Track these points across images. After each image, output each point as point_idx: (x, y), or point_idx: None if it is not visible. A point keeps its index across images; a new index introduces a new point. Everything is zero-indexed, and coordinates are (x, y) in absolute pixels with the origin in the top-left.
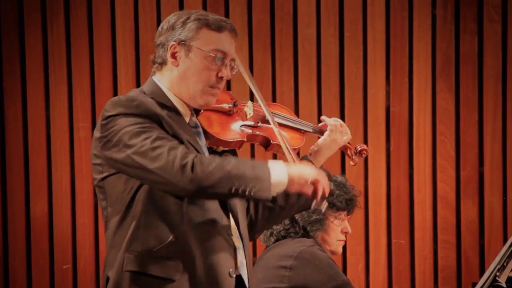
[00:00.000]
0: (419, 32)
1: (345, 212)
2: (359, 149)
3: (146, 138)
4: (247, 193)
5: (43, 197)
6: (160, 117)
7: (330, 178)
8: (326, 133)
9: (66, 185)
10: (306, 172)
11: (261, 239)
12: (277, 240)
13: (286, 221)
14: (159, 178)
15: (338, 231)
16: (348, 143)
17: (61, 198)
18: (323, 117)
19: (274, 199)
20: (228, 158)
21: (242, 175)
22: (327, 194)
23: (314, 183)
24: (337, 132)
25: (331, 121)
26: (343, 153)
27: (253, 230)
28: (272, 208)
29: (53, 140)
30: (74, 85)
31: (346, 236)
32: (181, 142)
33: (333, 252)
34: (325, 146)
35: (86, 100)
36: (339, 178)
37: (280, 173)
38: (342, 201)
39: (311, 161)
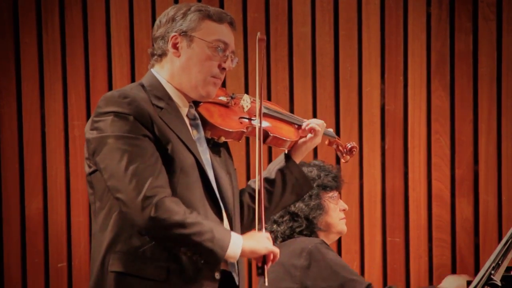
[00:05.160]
0: (414, 30)
1: (336, 191)
2: (349, 147)
3: (120, 161)
4: (194, 257)
5: (38, 195)
6: (151, 116)
7: (308, 164)
8: (309, 136)
9: (61, 183)
10: (260, 248)
11: None
12: (283, 240)
13: (287, 220)
14: (122, 206)
15: (337, 210)
16: (338, 139)
17: (56, 196)
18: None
19: None
20: (199, 220)
21: (198, 244)
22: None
23: (266, 256)
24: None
25: (316, 127)
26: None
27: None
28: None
29: (48, 139)
30: (69, 83)
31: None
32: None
33: (340, 232)
34: (305, 147)
35: (81, 99)
36: (317, 162)
37: (234, 251)
38: (331, 180)
39: (291, 157)
